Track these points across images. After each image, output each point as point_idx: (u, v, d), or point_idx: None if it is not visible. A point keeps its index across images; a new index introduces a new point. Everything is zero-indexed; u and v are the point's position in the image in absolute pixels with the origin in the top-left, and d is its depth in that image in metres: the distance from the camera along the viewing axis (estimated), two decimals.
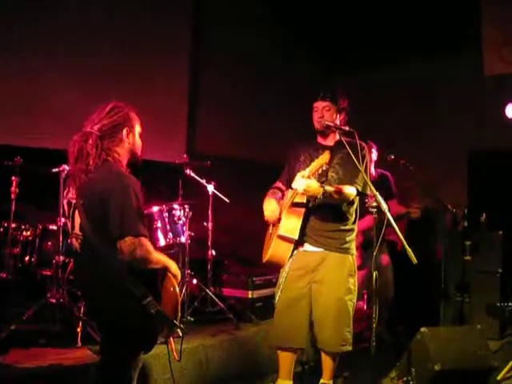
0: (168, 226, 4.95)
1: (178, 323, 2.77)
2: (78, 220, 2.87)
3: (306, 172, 3.63)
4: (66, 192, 4.49)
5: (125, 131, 2.90)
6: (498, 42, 6.72)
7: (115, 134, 2.88)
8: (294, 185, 3.67)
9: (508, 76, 6.65)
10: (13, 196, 4.64)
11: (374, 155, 5.61)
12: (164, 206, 4.99)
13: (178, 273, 2.89)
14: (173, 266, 2.86)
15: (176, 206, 5.06)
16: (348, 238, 3.97)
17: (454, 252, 6.20)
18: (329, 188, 3.71)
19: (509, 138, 6.58)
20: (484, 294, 5.92)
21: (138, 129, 2.99)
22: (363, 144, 3.91)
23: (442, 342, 4.34)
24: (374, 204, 3.42)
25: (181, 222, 5.01)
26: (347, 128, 3.79)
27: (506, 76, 6.66)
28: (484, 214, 6.31)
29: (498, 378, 4.66)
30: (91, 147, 2.79)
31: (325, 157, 3.63)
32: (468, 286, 6.04)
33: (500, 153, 6.94)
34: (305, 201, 3.87)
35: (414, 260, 3.14)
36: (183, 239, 5.04)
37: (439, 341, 4.35)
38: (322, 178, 3.83)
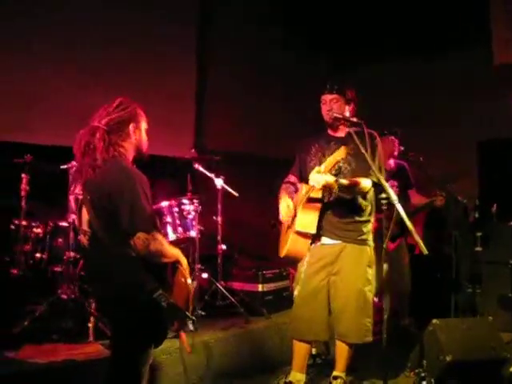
0: (177, 221, 4.96)
1: (189, 315, 2.77)
2: (85, 216, 2.88)
3: (322, 167, 3.62)
4: (72, 188, 4.53)
5: (131, 126, 2.91)
6: (507, 32, 6.68)
7: (122, 129, 2.89)
8: (310, 181, 3.66)
9: None
10: (23, 193, 4.67)
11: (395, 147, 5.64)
12: (173, 201, 5.00)
13: (187, 267, 2.90)
14: (184, 260, 2.88)
15: (185, 201, 5.06)
16: (365, 229, 3.97)
17: (465, 243, 6.18)
18: (344, 181, 3.71)
19: None
20: (495, 285, 5.92)
21: (144, 125, 2.99)
22: (374, 133, 3.90)
23: (453, 334, 4.32)
24: (384, 195, 3.39)
25: (190, 216, 5.02)
26: (355, 119, 3.78)
27: None
28: (495, 205, 6.29)
29: (511, 369, 4.65)
30: (98, 141, 2.78)
31: (341, 152, 3.62)
32: (479, 277, 6.02)
33: (510, 143, 6.90)
34: (320, 195, 3.87)
35: (425, 251, 3.11)
36: (193, 234, 5.05)
37: (451, 332, 4.33)
38: (336, 170, 3.82)
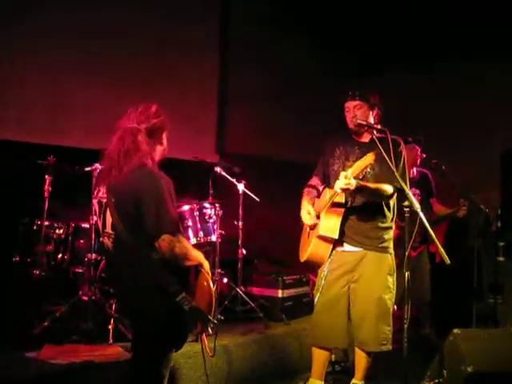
0: (199, 225, 4.96)
1: (212, 318, 2.78)
2: (109, 219, 2.90)
3: (349, 173, 3.59)
4: (96, 191, 4.57)
5: (165, 134, 2.96)
6: None
7: (159, 135, 2.94)
8: (336, 187, 3.63)
9: None
10: (46, 194, 4.70)
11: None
12: (195, 205, 5.00)
13: (209, 270, 2.91)
14: (206, 264, 2.89)
15: (207, 205, 5.07)
16: (386, 237, 3.95)
17: (487, 253, 6.12)
18: (366, 184, 3.70)
19: None
20: None
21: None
22: (398, 140, 3.88)
23: (475, 344, 4.26)
24: (407, 203, 3.37)
25: (211, 220, 5.02)
26: (379, 126, 3.77)
27: None
28: None
29: None
30: (142, 143, 2.81)
31: (369, 158, 3.57)
32: (501, 287, 5.95)
33: None
34: (343, 200, 3.85)
35: (447, 260, 3.10)
36: (214, 238, 5.04)
37: (472, 342, 4.27)
38: (360, 175, 3.79)
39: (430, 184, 5.73)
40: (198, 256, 2.85)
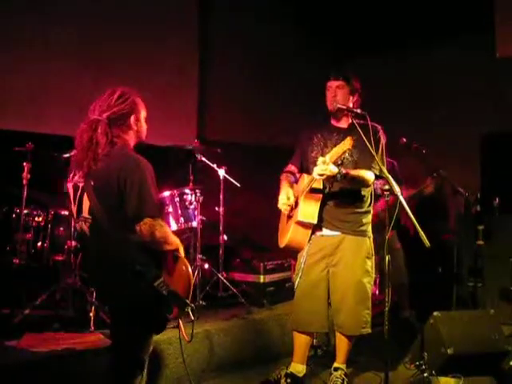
0: (179, 211, 4.96)
1: (189, 303, 2.78)
2: (86, 203, 2.87)
3: (327, 158, 3.57)
4: (71, 175, 4.51)
5: (133, 118, 2.91)
6: (509, 25, 6.64)
7: (124, 122, 2.89)
8: (314, 174, 3.62)
9: None
10: (24, 182, 4.65)
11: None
12: (175, 191, 4.99)
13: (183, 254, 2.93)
14: (181, 248, 2.89)
15: (187, 191, 5.06)
16: (364, 221, 3.96)
17: (467, 236, 6.18)
18: (349, 172, 3.68)
19: None
20: (497, 278, 5.91)
21: (143, 114, 2.99)
22: (377, 127, 3.89)
23: (454, 327, 4.32)
24: (387, 187, 3.38)
25: (192, 206, 5.01)
26: (359, 110, 3.76)
27: None
28: (497, 198, 6.27)
29: (511, 362, 4.65)
30: (101, 136, 2.79)
31: (347, 143, 3.55)
32: (481, 270, 6.01)
33: None
34: (321, 186, 3.86)
35: (427, 243, 3.11)
36: (195, 224, 5.04)
37: (452, 325, 4.33)
38: (338, 160, 3.79)
39: (397, 173, 5.73)
40: (176, 241, 2.85)
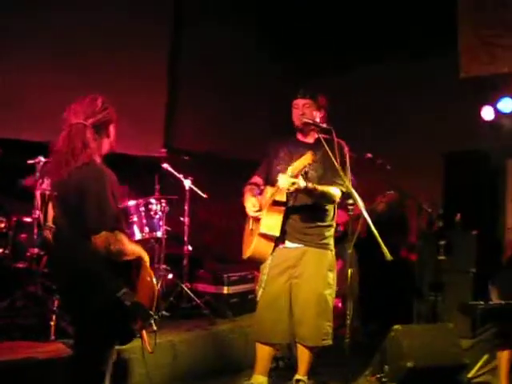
0: (144, 221, 4.95)
1: (153, 314, 2.77)
2: (51, 212, 2.85)
3: (289, 171, 3.62)
4: (39, 183, 4.47)
5: (111, 126, 2.91)
6: (473, 45, 6.81)
7: (106, 129, 2.88)
8: (279, 183, 3.66)
9: (483, 78, 6.74)
10: None
11: None
12: (141, 201, 4.98)
13: (148, 263, 2.90)
14: (146, 256, 2.87)
15: (153, 201, 5.05)
16: (327, 234, 4.01)
17: (429, 251, 6.28)
18: (316, 187, 3.74)
19: (484, 139, 6.66)
20: (457, 292, 6.01)
21: None
22: (342, 142, 3.95)
23: (414, 340, 4.39)
24: (351, 201, 3.44)
25: (157, 216, 5.01)
26: (325, 125, 3.83)
27: (481, 78, 6.75)
28: (458, 215, 6.40)
29: (469, 375, 4.74)
30: (91, 140, 2.76)
31: (308, 157, 3.61)
32: (442, 285, 6.11)
33: (475, 154, 7.02)
34: (285, 199, 3.89)
35: (389, 257, 3.15)
36: (159, 234, 5.03)
37: (412, 338, 4.40)
38: (302, 176, 3.83)
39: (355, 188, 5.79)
40: (136, 250, 2.83)
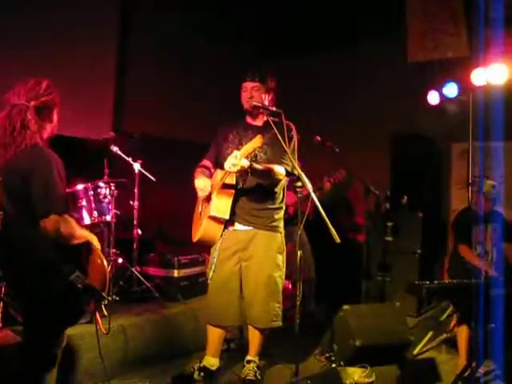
0: (93, 205, 4.88)
1: (105, 295, 2.76)
2: None
3: (239, 154, 3.63)
4: None
5: (55, 111, 2.89)
6: (420, 31, 6.94)
7: (49, 113, 2.86)
8: (226, 165, 3.67)
9: (429, 63, 6.88)
10: None
11: None
12: (89, 184, 4.91)
13: (99, 246, 2.90)
14: (95, 240, 2.87)
15: (102, 184, 4.98)
16: (276, 216, 4.05)
17: (376, 233, 6.41)
18: (258, 166, 3.77)
19: (430, 123, 6.79)
20: (404, 273, 6.17)
21: None
22: (291, 125, 3.97)
23: (362, 319, 4.49)
24: (299, 184, 3.46)
25: (106, 200, 4.95)
26: (274, 108, 3.84)
27: (427, 63, 6.88)
28: (405, 197, 6.54)
29: (414, 352, 4.89)
30: (31, 121, 2.73)
31: (257, 141, 3.64)
32: (389, 265, 6.26)
33: (421, 137, 7.16)
34: (234, 182, 3.91)
35: (337, 239, 3.20)
36: (109, 218, 4.97)
37: (360, 318, 4.50)
38: (252, 158, 3.86)
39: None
40: (84, 234, 2.83)
